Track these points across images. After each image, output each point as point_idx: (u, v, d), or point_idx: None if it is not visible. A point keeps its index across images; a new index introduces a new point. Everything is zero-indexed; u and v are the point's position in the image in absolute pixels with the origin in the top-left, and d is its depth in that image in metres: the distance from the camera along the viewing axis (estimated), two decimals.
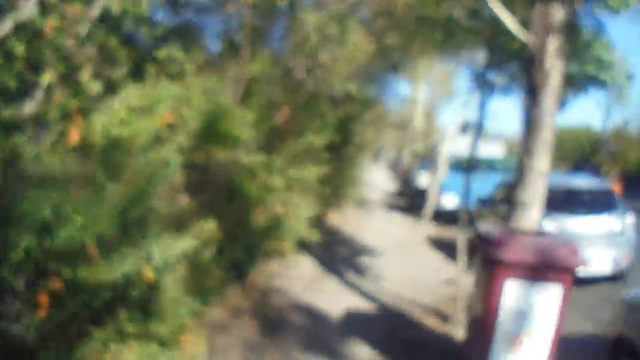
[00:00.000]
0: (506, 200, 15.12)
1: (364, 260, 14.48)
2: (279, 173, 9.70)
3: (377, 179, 50.52)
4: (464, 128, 9.80)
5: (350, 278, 12.42)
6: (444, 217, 22.27)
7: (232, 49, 9.22)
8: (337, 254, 14.94)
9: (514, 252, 5.80)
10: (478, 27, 9.55)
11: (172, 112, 4.80)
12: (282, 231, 9.49)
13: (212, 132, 7.98)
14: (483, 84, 9.20)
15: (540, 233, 6.55)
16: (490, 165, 22.14)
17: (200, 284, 6.86)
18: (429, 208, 21.60)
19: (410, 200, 28.05)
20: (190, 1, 9.87)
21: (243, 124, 8.75)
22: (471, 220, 17.66)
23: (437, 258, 15.65)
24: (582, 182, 14.02)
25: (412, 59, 15.54)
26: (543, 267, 5.84)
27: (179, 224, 6.02)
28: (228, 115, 8.25)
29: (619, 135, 48.45)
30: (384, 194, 36.81)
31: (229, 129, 8.19)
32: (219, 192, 7.96)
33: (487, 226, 13.09)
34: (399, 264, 14.24)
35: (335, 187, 17.63)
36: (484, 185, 22.09)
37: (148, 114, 4.62)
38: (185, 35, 9.38)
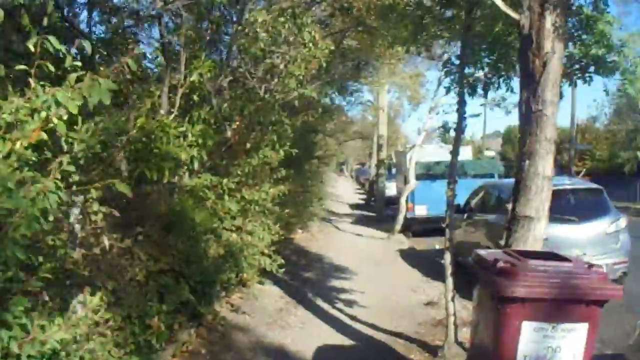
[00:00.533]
0: (483, 207, 14.06)
1: (335, 283, 13.09)
2: (231, 195, 8.34)
3: (342, 191, 49.34)
4: (443, 131, 8.39)
5: (321, 306, 11.01)
6: (414, 227, 21.04)
7: (168, 55, 7.85)
8: (306, 279, 13.53)
9: (529, 286, 4.45)
10: (451, 15, 8.29)
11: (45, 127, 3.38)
12: (239, 261, 8.11)
13: (143, 152, 6.58)
14: (461, 81, 7.88)
15: (554, 255, 5.19)
16: (461, 170, 20.97)
17: (134, 342, 5.45)
18: (399, 219, 20.25)
19: (378, 211, 26.74)
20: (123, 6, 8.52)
21: (183, 141, 7.40)
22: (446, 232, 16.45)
23: (412, 275, 14.34)
24: (568, 182, 12.78)
25: (374, 61, 14.22)
26: (567, 303, 4.51)
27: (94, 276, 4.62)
28: (164, 131, 6.87)
29: (587, 132, 47.84)
30: (351, 206, 35.53)
31: (166, 148, 6.80)
32: (156, 224, 6.52)
33: (487, 248, 11.80)
34: (373, 285, 12.88)
35: (299, 204, 16.30)
36: (457, 191, 20.93)
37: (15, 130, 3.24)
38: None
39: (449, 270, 8.29)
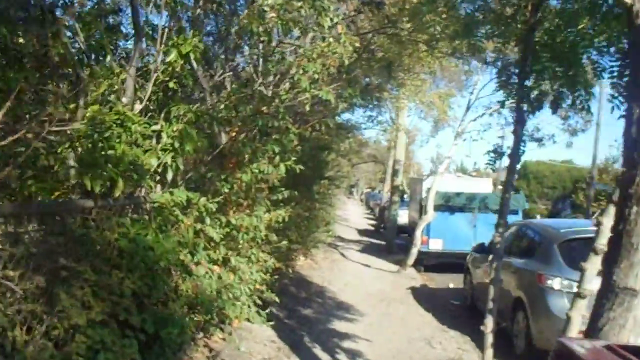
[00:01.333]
0: (512, 250, 12.07)
1: (338, 325, 11.11)
2: (215, 219, 6.43)
3: (351, 214, 47.41)
4: (494, 157, 6.37)
5: (320, 357, 9.07)
6: (427, 261, 19.03)
7: (139, 28, 5.94)
8: (304, 317, 11.56)
9: None
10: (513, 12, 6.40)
11: None
12: (210, 309, 6.15)
13: (90, 153, 4.70)
14: (520, 94, 5.98)
15: None
16: (481, 204, 19.04)
17: None
18: (412, 253, 18.23)
19: (389, 241, 24.69)
20: None
21: (156, 144, 5.54)
22: (466, 272, 14.54)
23: (426, 321, 12.32)
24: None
25: (401, 73, 12.31)
26: None
27: None
28: (124, 127, 4.99)
29: (605, 172, 45.68)
30: (360, 231, 33.48)
31: (124, 150, 4.91)
32: (94, 257, 4.59)
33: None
34: (382, 332, 10.91)
35: (303, 228, 14.37)
36: (478, 227, 19.09)
37: None
38: None
39: (489, 340, 6.26)
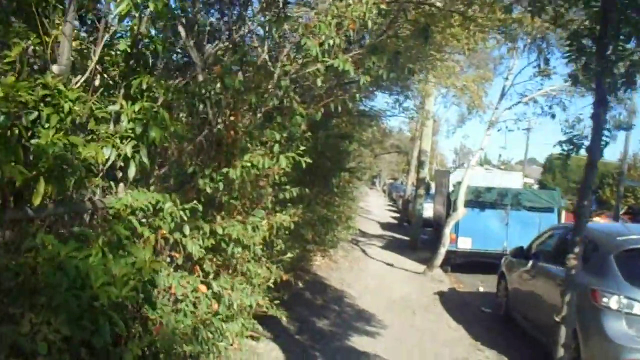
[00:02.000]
0: (554, 256, 10.43)
1: (357, 341, 9.55)
2: (195, 228, 4.87)
3: (374, 206, 45.77)
4: (570, 147, 4.75)
5: None
6: (454, 261, 17.36)
7: None
8: (318, 330, 10.01)
9: None
10: None
11: None
12: (188, 348, 4.57)
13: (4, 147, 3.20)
14: (603, 67, 4.36)
15: None
16: (514, 201, 17.37)
17: None
18: (440, 253, 16.54)
19: (413, 237, 23.04)
20: None
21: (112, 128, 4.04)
22: (500, 277, 12.93)
23: (457, 336, 10.72)
24: None
25: (432, 52, 10.61)
26: None
27: None
28: (53, 105, 3.48)
29: (634, 168, 43.77)
30: (382, 225, 31.83)
31: (55, 138, 3.42)
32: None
33: None
34: (406, 351, 9.37)
35: (321, 227, 12.82)
36: (510, 226, 17.44)
37: None
38: None
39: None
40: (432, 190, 27.62)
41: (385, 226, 31.18)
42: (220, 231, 4.93)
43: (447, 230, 16.33)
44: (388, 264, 18.04)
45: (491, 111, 16.66)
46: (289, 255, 7.63)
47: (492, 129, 16.43)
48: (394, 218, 37.12)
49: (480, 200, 17.41)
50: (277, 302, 7.40)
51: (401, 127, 41.48)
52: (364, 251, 20.47)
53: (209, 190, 4.95)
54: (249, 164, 4.90)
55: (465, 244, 17.20)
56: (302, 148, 5.66)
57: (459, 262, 17.35)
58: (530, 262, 10.78)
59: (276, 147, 5.22)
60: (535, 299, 10.04)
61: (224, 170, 4.94)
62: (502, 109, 16.42)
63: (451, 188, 20.59)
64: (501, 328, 11.31)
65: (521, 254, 11.54)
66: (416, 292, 14.08)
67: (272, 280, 6.68)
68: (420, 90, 16.20)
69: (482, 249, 17.15)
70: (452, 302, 13.40)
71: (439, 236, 23.03)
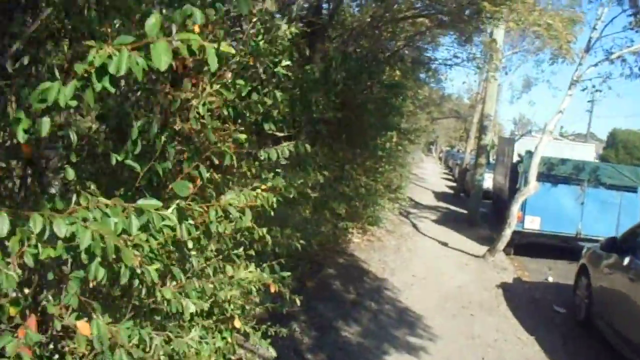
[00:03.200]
0: None
1: None
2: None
3: (429, 173, 42.77)
4: None
5: None
6: (518, 242, 14.33)
7: None
8: (342, 346, 7.25)
9: None
10: None
11: None
12: None
13: None
14: None
15: None
16: (591, 177, 14.28)
17: None
18: (505, 235, 13.46)
19: (472, 210, 19.97)
20: None
21: None
22: (580, 272, 9.99)
23: (531, 353, 7.92)
24: None
25: None
26: None
27: None
28: None
29: None
30: (437, 195, 28.77)
31: None
32: None
33: None
34: None
35: (358, 199, 10.07)
36: (587, 206, 14.37)
37: None
38: None
39: None
40: (492, 160, 24.60)
41: (440, 196, 28.07)
42: (140, 218, 2.19)
43: (515, 209, 13.27)
44: (442, 243, 15.11)
45: (573, 67, 13.36)
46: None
47: (575, 87, 13.19)
48: (450, 188, 33.91)
49: (552, 173, 14.37)
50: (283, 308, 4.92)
51: (460, 94, 38.75)
52: (414, 226, 17.57)
53: None
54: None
55: (533, 223, 14.18)
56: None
57: (524, 243, 14.39)
58: (628, 259, 7.90)
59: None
60: (634, 310, 7.18)
61: None
62: (587, 65, 13.16)
63: (516, 158, 17.66)
64: (583, 340, 8.58)
65: (614, 246, 8.58)
66: (475, 284, 11.19)
67: (252, 284, 4.03)
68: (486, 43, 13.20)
69: (552, 230, 14.18)
70: (518, 298, 10.53)
71: (497, 210, 20.18)
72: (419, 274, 11.30)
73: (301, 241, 5.38)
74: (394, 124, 10.92)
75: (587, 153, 20.32)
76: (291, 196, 4.21)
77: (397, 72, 11.59)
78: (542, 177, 13.89)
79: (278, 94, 3.47)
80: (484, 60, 13.11)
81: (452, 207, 23.99)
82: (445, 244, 14.99)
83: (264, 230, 3.79)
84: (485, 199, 21.46)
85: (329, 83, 8.02)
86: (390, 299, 9.38)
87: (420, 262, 12.47)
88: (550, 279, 12.37)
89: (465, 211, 21.39)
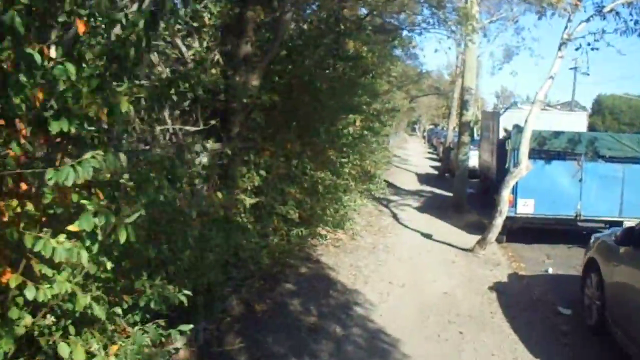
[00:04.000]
0: None
1: None
2: None
3: (412, 154, 41.03)
4: None
5: None
6: (510, 228, 12.56)
7: None
8: None
9: None
10: None
11: None
12: None
13: None
14: None
15: None
16: (589, 149, 12.57)
17: None
18: (496, 224, 11.59)
19: (457, 192, 18.09)
20: None
21: None
22: (588, 267, 8.22)
23: None
24: None
25: None
26: None
27: None
28: None
29: None
30: (420, 177, 26.95)
31: None
32: None
33: None
34: None
35: (318, 195, 8.33)
36: (585, 182, 12.57)
37: None
38: None
39: None
40: (477, 136, 22.90)
41: (423, 179, 26.22)
42: None
43: (506, 193, 11.44)
44: (425, 235, 13.29)
45: (557, 32, 11.54)
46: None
47: (565, 48, 11.36)
48: (434, 168, 32.10)
49: (545, 148, 12.62)
50: None
51: (440, 70, 37.33)
52: (394, 216, 15.74)
53: None
54: None
55: (526, 207, 12.46)
56: None
57: (516, 228, 12.68)
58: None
59: None
60: None
61: None
62: (578, 21, 11.34)
63: (502, 133, 15.94)
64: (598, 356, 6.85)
65: (631, 238, 6.81)
66: (463, 288, 9.38)
67: None
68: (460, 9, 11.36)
69: (548, 213, 12.54)
70: (516, 301, 8.78)
71: (485, 189, 18.48)
72: (397, 279, 9.48)
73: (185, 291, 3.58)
74: (355, 106, 9.05)
75: (580, 122, 18.63)
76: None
77: (364, 48, 9.78)
78: (534, 154, 12.16)
79: None
80: (458, 23, 11.22)
81: (437, 190, 22.16)
82: (428, 236, 13.17)
83: None
84: (471, 178, 19.76)
85: (265, 60, 6.35)
86: (361, 319, 7.57)
87: (399, 263, 10.65)
88: (550, 270, 10.72)
89: (450, 194, 19.51)
